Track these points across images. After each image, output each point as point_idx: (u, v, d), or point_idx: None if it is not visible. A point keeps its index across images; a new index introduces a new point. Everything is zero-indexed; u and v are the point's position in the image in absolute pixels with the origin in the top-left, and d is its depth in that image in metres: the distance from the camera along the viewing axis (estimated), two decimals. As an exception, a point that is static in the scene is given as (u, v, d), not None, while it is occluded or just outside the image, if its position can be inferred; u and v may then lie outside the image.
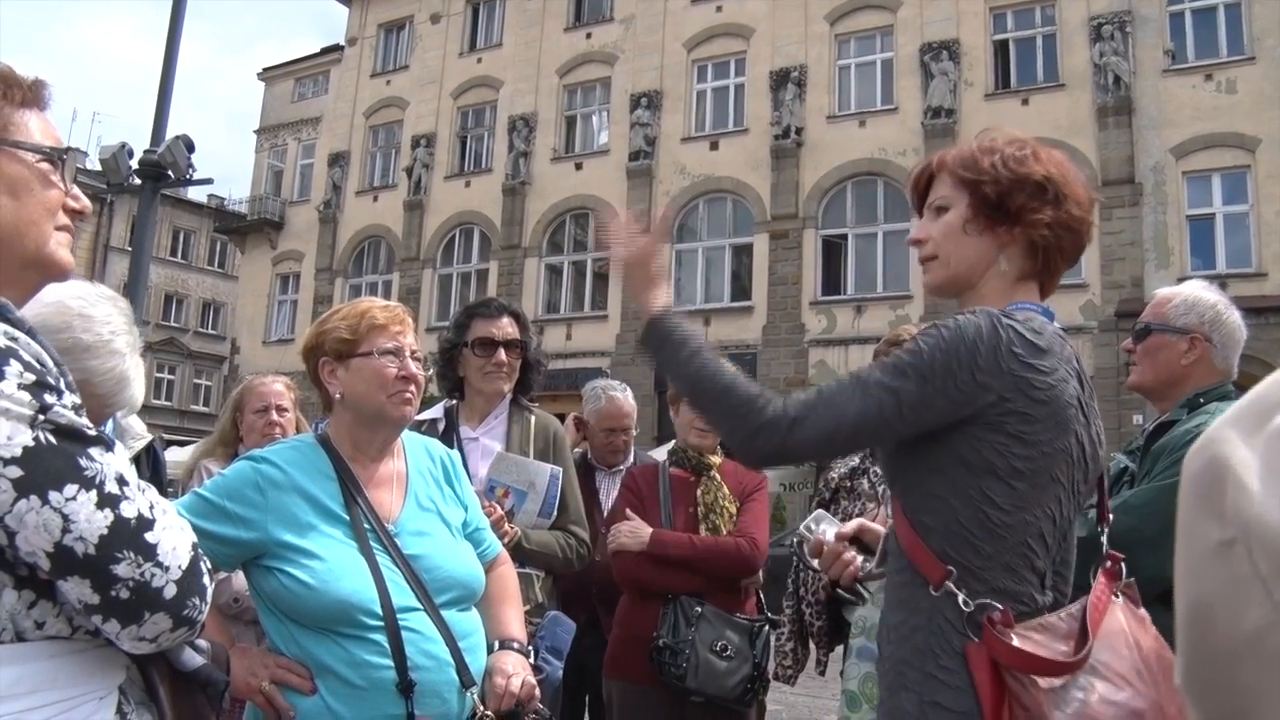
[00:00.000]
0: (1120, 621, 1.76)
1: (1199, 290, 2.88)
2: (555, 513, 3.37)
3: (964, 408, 1.72)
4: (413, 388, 2.29)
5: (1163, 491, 2.53)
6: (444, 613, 2.18)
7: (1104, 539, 1.91)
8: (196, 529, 2.07)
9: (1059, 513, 1.78)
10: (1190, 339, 2.78)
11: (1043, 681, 1.61)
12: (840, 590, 2.16)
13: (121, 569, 1.28)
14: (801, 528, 2.20)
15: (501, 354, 3.42)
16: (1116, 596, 1.81)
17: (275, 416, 3.92)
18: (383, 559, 2.16)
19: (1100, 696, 1.63)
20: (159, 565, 1.31)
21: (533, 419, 3.53)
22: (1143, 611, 1.84)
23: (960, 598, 1.69)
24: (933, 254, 1.96)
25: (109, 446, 1.33)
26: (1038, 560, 1.76)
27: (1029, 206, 1.86)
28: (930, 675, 1.70)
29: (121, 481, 1.31)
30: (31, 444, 1.23)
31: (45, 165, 1.44)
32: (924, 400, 1.72)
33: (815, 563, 2.17)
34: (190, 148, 11.38)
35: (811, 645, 3.58)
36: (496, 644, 2.33)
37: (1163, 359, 2.82)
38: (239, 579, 3.16)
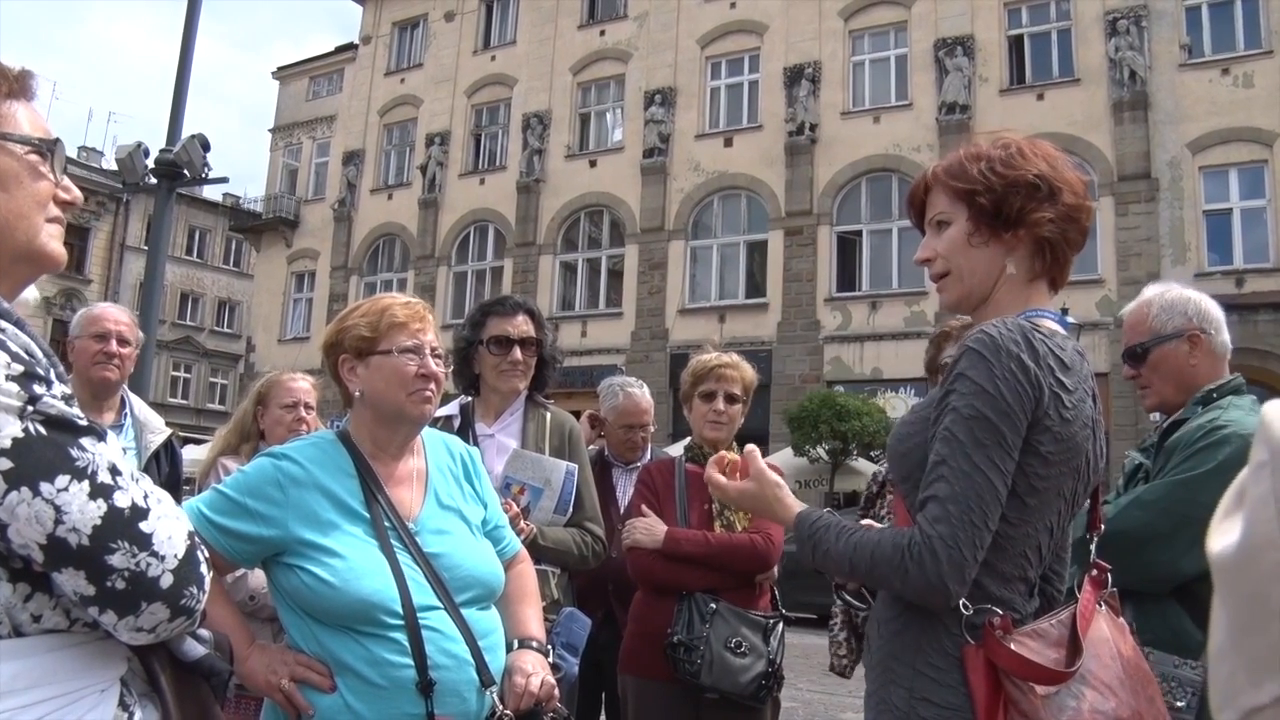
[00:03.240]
0: (1104, 630, 1.78)
1: (1168, 292, 2.90)
2: (571, 509, 3.37)
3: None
4: (433, 386, 2.28)
5: (1177, 486, 2.53)
6: (464, 611, 2.18)
7: (1093, 547, 1.92)
8: (217, 526, 2.10)
9: (1056, 524, 1.80)
10: (1189, 338, 2.79)
11: (1040, 689, 1.63)
12: (847, 596, 2.15)
13: (116, 559, 1.26)
14: None
15: (517, 352, 3.42)
16: (1100, 605, 1.82)
17: (303, 413, 3.94)
18: (403, 557, 2.16)
19: (1091, 706, 1.65)
20: (154, 555, 1.29)
21: (548, 416, 3.54)
22: (1122, 620, 1.86)
23: (960, 602, 1.70)
24: (944, 270, 1.95)
25: (101, 436, 1.31)
26: (1030, 570, 1.78)
27: (1028, 208, 1.84)
28: (920, 672, 1.72)
29: (114, 471, 1.30)
30: (21, 435, 1.22)
31: (34, 157, 1.42)
32: (1019, 434, 1.70)
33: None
34: (206, 147, 11.44)
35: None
36: (515, 643, 2.32)
37: (1170, 369, 2.82)
38: (254, 577, 3.18)
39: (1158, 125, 22.55)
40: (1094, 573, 1.86)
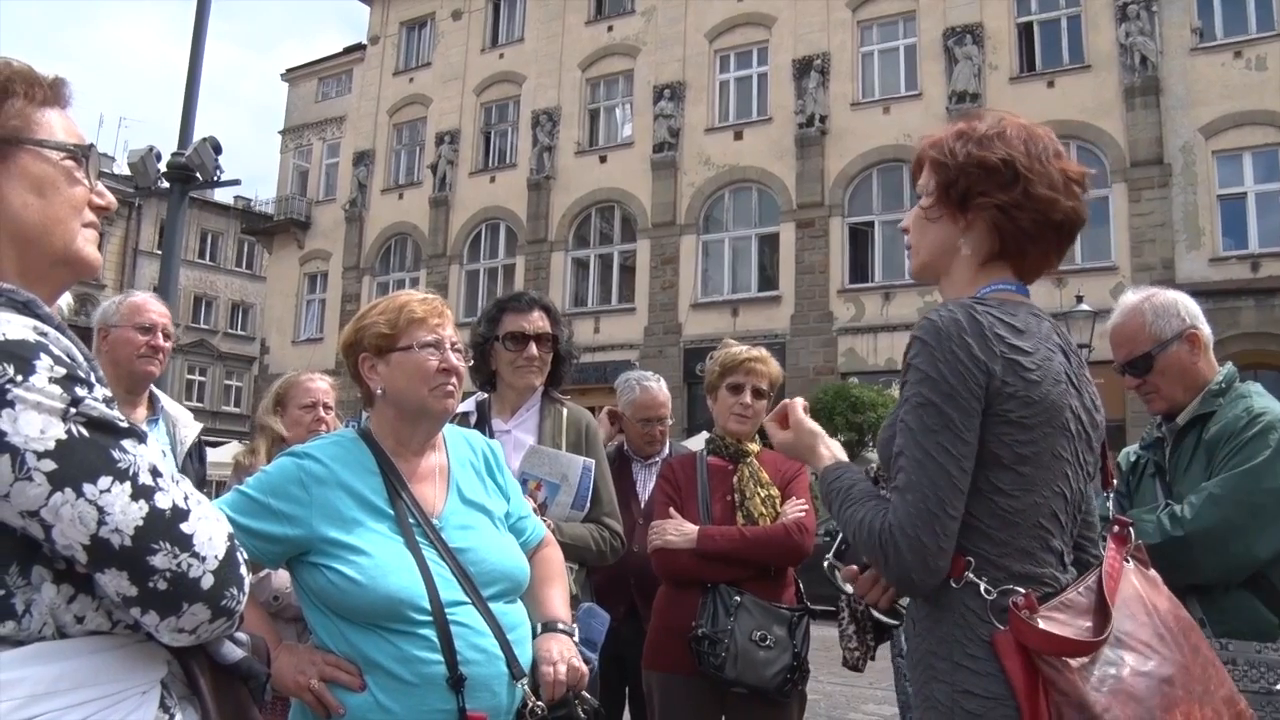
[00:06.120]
0: (1135, 586, 1.77)
1: (1154, 296, 2.92)
2: (588, 505, 3.36)
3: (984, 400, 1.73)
4: (454, 380, 2.28)
5: (1242, 477, 2.57)
6: (491, 605, 2.17)
7: (1109, 504, 1.92)
8: (241, 526, 2.08)
9: (1069, 488, 1.79)
10: (1188, 338, 2.82)
11: (1074, 661, 1.62)
12: (877, 613, 2.15)
13: (158, 560, 1.27)
14: (831, 554, 2.18)
15: (533, 348, 3.41)
16: (1127, 561, 1.82)
17: (323, 413, 3.95)
18: (429, 553, 2.15)
19: (1132, 669, 1.64)
20: (195, 556, 1.31)
21: (565, 412, 3.53)
22: (1153, 573, 1.86)
23: (982, 586, 1.70)
24: (910, 241, 1.99)
25: (141, 438, 1.32)
26: (1054, 540, 1.77)
27: (976, 190, 1.85)
28: (959, 665, 1.71)
29: (155, 473, 1.31)
30: (64, 437, 1.23)
31: (70, 163, 1.45)
32: (970, 413, 1.71)
33: (850, 589, 2.17)
34: (217, 149, 11.41)
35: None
36: (539, 627, 2.32)
37: (1178, 371, 2.84)
38: (279, 576, 3.18)
39: (1170, 110, 22.41)
40: (1116, 529, 1.85)
